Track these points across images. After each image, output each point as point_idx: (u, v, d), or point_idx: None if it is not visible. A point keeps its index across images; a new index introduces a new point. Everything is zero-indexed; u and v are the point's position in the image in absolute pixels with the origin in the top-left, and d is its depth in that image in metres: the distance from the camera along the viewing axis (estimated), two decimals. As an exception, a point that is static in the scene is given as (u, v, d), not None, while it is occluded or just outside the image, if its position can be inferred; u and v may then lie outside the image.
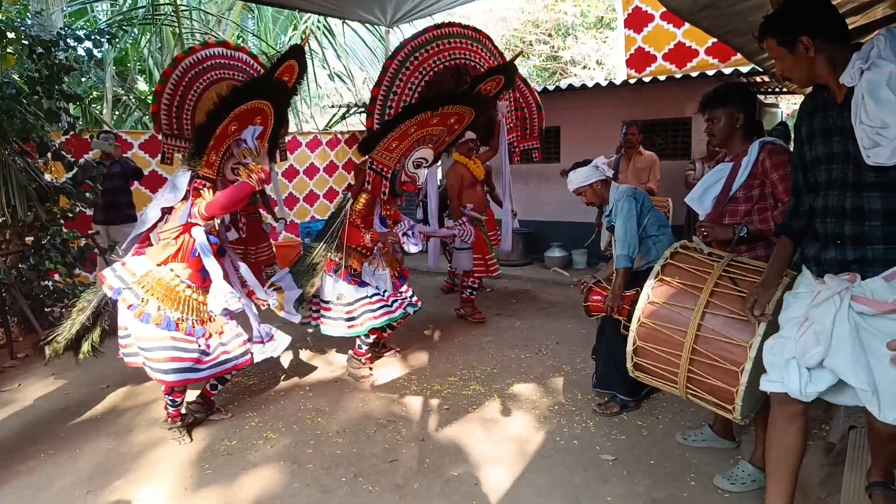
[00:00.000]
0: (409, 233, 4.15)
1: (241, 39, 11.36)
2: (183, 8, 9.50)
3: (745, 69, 6.56)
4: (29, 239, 5.32)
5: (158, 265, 3.23)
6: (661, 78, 7.02)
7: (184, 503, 2.77)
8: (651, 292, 2.47)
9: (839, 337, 1.82)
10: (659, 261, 2.56)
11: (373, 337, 4.16)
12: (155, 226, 3.30)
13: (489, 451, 3.16)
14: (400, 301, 4.21)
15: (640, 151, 5.81)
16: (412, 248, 4.12)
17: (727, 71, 6.60)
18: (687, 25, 6.84)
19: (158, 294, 3.17)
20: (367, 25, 11.10)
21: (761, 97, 8.19)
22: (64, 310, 5.37)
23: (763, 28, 1.99)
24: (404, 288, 4.39)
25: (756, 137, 2.67)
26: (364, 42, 12.48)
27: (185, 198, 3.19)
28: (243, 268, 3.53)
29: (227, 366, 3.32)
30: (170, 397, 3.31)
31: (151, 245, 3.31)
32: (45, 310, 5.40)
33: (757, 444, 2.69)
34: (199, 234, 3.21)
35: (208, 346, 3.26)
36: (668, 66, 7.57)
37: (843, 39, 1.89)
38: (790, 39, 1.90)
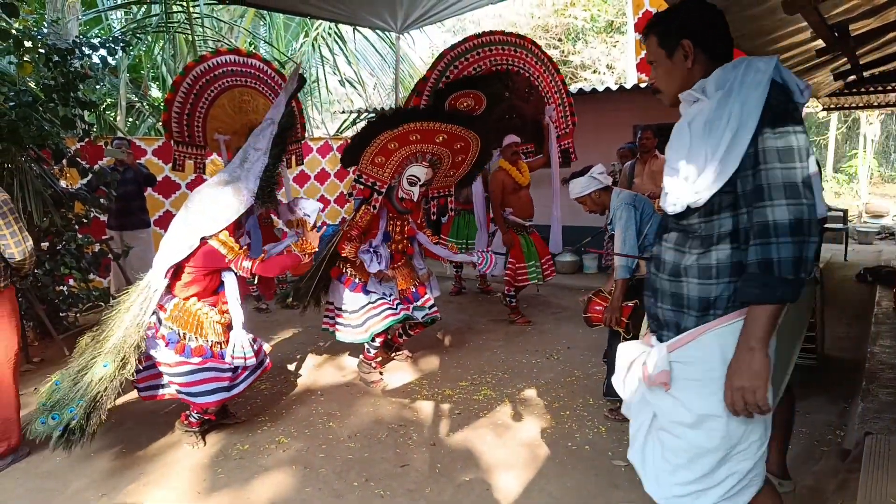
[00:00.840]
0: (371, 251, 4.06)
1: (253, 46, 11.45)
2: (195, 16, 9.59)
3: (756, 73, 6.55)
4: (44, 244, 5.39)
5: (184, 299, 3.26)
6: (672, 82, 7.01)
7: (197, 507, 2.80)
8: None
9: (632, 401, 1.80)
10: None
11: (379, 340, 4.16)
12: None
13: (500, 456, 3.16)
14: (400, 307, 4.20)
15: (656, 155, 5.73)
16: (373, 268, 4.02)
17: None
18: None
19: (188, 324, 3.20)
20: (378, 32, 11.15)
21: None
22: (78, 314, 5.43)
23: (649, 23, 1.75)
24: (421, 302, 4.38)
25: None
26: (374, 48, 12.54)
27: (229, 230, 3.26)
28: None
29: (252, 378, 3.37)
30: (197, 413, 3.33)
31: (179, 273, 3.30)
32: (60, 314, 5.47)
33: (770, 449, 2.67)
34: (231, 280, 3.30)
35: (234, 365, 3.30)
36: (679, 70, 7.55)
37: (725, 61, 1.63)
38: (672, 41, 1.65)
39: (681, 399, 1.60)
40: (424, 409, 3.79)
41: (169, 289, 3.26)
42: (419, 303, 4.36)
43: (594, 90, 7.56)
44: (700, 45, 1.63)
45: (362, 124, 11.90)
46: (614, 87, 7.43)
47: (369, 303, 4.07)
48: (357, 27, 11.03)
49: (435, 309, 4.43)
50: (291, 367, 4.62)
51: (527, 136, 5.56)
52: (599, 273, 7.60)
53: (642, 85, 7.21)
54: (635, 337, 3.19)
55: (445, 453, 3.21)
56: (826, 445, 3.10)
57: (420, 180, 4.08)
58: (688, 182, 1.57)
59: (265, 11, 10.89)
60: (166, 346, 3.14)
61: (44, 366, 4.78)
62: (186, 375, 3.15)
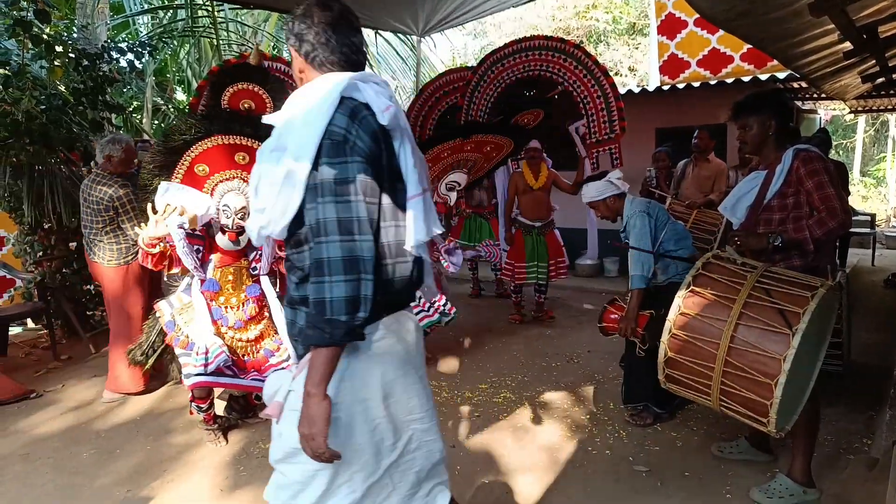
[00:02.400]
0: (450, 251, 4.16)
1: (276, 50, 11.57)
2: (220, 20, 9.74)
3: (781, 75, 6.47)
4: (73, 244, 5.51)
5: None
6: (696, 84, 6.95)
7: (220, 504, 2.84)
8: (683, 303, 2.45)
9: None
10: (691, 271, 2.53)
11: None
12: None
13: (520, 459, 3.16)
14: (433, 310, 4.25)
15: (709, 159, 5.49)
16: (452, 268, 4.14)
17: (763, 77, 6.51)
18: (721, 31, 6.75)
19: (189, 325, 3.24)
20: (400, 35, 11.21)
21: (799, 103, 8.04)
22: (104, 313, 5.54)
23: None
24: (436, 297, 4.42)
25: (790, 145, 2.64)
26: (396, 51, 12.59)
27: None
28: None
29: (258, 384, 3.32)
30: (195, 404, 3.34)
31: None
32: (87, 313, 5.59)
33: (795, 457, 2.64)
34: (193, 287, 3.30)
35: (241, 361, 3.32)
36: (703, 72, 7.48)
37: None
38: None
39: (283, 430, 1.56)
40: (444, 410, 3.80)
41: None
42: (435, 301, 4.39)
43: (616, 93, 7.51)
44: None
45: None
46: (636, 90, 7.37)
47: None
48: (379, 31, 11.10)
49: (451, 307, 4.45)
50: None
51: (552, 141, 5.55)
52: (620, 276, 7.55)
53: (665, 87, 7.15)
54: (652, 347, 3.18)
55: (465, 455, 3.22)
56: (852, 454, 3.05)
57: (460, 185, 4.21)
58: (264, 212, 1.50)
59: (288, 16, 10.99)
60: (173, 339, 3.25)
61: (70, 363, 4.89)
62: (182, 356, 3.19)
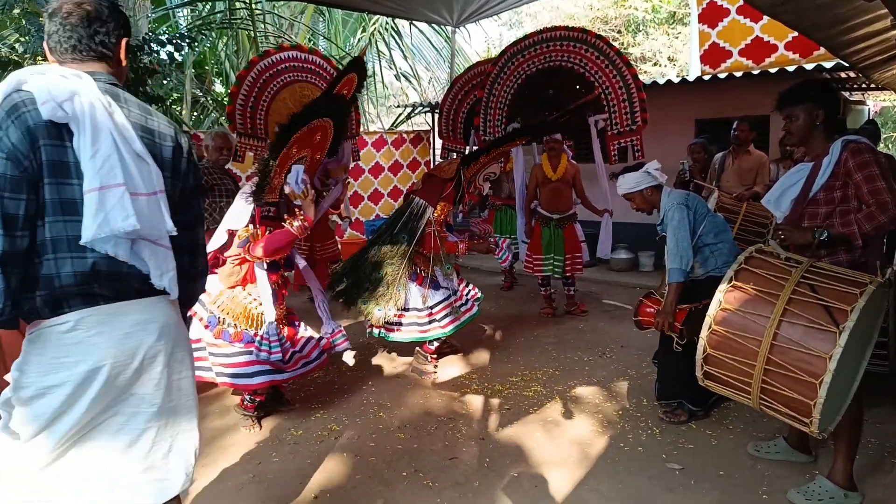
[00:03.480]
0: (503, 246, 4.32)
1: (311, 42, 11.67)
2: (257, 12, 9.85)
3: (828, 64, 6.24)
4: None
5: (229, 288, 3.36)
6: (738, 74, 6.75)
7: (250, 489, 2.88)
8: (724, 298, 2.38)
9: None
10: (733, 265, 2.46)
11: (436, 343, 4.27)
12: (225, 246, 3.36)
13: (550, 453, 3.13)
14: (470, 303, 4.32)
15: (749, 151, 5.33)
16: (504, 263, 4.32)
17: (809, 67, 6.29)
18: (765, 19, 6.56)
19: (234, 314, 3.31)
20: (434, 26, 11.19)
21: (846, 94, 7.76)
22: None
23: None
24: (462, 286, 4.42)
25: (838, 136, 2.53)
26: (430, 42, 12.59)
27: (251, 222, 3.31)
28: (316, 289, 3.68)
29: (307, 368, 3.44)
30: (250, 396, 3.44)
31: (221, 263, 3.42)
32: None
33: (836, 459, 2.55)
34: (260, 274, 3.34)
35: (286, 354, 3.36)
36: (745, 61, 7.26)
37: None
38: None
39: None
40: (474, 402, 3.79)
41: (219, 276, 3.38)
42: (468, 294, 4.41)
43: (654, 83, 7.35)
44: None
45: (418, 118, 11.98)
46: (676, 80, 7.20)
47: (445, 300, 4.14)
48: (413, 22, 11.09)
49: (475, 293, 4.49)
50: (344, 356, 4.70)
51: (571, 132, 5.48)
52: (655, 271, 7.41)
53: (706, 78, 6.97)
54: (690, 343, 3.11)
55: (494, 448, 3.21)
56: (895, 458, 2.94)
57: (495, 175, 4.35)
58: None
59: (324, 7, 11.07)
60: (205, 328, 3.26)
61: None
62: (229, 357, 3.24)
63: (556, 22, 17.46)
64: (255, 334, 3.29)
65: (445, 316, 4.09)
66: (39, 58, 5.26)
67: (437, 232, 4.13)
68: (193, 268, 1.80)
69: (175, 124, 1.70)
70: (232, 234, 3.30)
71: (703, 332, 2.42)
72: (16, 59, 5.23)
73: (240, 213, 3.27)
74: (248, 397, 3.45)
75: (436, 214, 4.13)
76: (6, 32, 6.60)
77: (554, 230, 5.56)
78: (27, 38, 5.42)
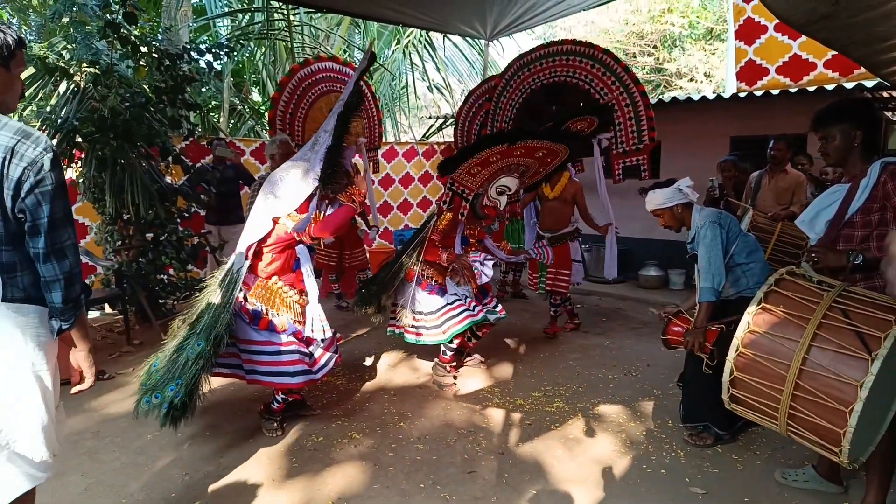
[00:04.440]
0: (482, 261, 4.19)
1: (347, 54, 11.84)
2: (295, 24, 10.05)
3: (869, 83, 6.08)
4: (149, 236, 5.79)
5: (266, 278, 3.41)
6: (774, 92, 6.63)
7: (270, 494, 2.90)
8: (752, 320, 2.33)
9: None
10: (763, 287, 2.40)
11: (456, 342, 4.21)
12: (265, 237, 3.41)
13: (570, 471, 3.09)
14: (478, 309, 4.26)
15: (786, 170, 5.21)
16: (484, 278, 4.18)
17: (849, 85, 6.13)
18: (804, 37, 6.43)
19: (274, 303, 3.37)
20: (468, 39, 11.25)
21: (889, 114, 7.55)
22: (176, 302, 5.80)
23: None
24: (487, 300, 4.42)
25: (877, 157, 2.47)
26: (463, 55, 12.65)
27: (301, 210, 3.36)
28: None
29: (329, 367, 3.48)
30: (282, 395, 3.49)
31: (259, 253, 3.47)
32: (160, 301, 5.86)
33: (868, 491, 2.47)
34: (303, 252, 3.39)
35: (312, 338, 3.44)
36: (782, 79, 7.13)
37: None
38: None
39: None
40: (495, 416, 3.77)
41: (252, 269, 3.41)
42: (486, 301, 4.39)
43: (689, 99, 7.27)
44: None
45: (450, 129, 12.04)
46: (711, 97, 7.10)
47: (447, 304, 4.13)
48: (447, 35, 11.18)
49: (501, 308, 4.45)
50: (367, 364, 4.72)
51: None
52: (686, 289, 7.29)
53: (742, 94, 6.86)
54: (720, 364, 3.04)
55: (514, 463, 3.18)
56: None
57: (510, 190, 4.18)
58: None
59: (360, 20, 11.24)
60: (250, 322, 3.29)
61: (142, 348, 5.14)
62: (273, 355, 3.28)
63: (590, 37, 17.41)
64: (296, 321, 3.39)
65: (447, 321, 4.09)
66: (85, 65, 5.44)
67: (431, 239, 4.16)
68: (49, 275, 1.81)
69: (24, 137, 1.74)
70: (275, 222, 3.36)
71: (731, 355, 2.37)
72: (63, 65, 5.41)
73: (290, 199, 3.32)
74: (280, 397, 3.49)
75: (440, 225, 4.16)
76: (55, 40, 6.84)
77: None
78: (74, 45, 5.60)
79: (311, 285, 3.44)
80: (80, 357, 2.00)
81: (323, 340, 3.47)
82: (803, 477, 2.87)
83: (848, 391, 2.01)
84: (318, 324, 3.40)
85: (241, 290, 3.32)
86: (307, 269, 3.45)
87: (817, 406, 2.10)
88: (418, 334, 4.20)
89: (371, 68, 4.14)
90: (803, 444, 2.27)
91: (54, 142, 5.22)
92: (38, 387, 1.84)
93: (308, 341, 3.43)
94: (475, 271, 4.15)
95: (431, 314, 4.15)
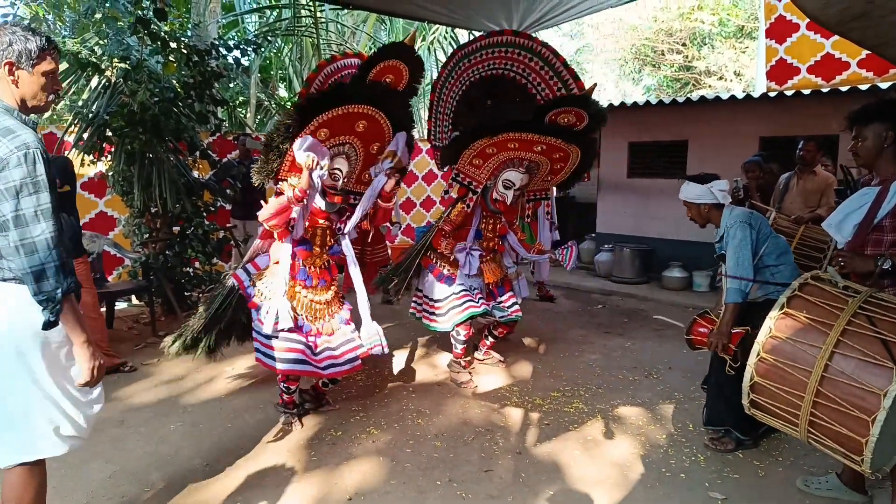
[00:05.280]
0: (467, 252, 4.21)
1: (373, 51, 11.89)
2: (321, 20, 10.11)
3: (906, 83, 5.92)
4: (175, 229, 5.90)
5: (275, 263, 3.46)
6: (805, 92, 6.49)
7: (288, 486, 2.94)
8: (774, 325, 2.29)
9: None
10: (786, 291, 2.36)
11: (464, 334, 4.17)
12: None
13: (588, 473, 3.07)
14: (481, 301, 4.24)
15: (815, 171, 5.10)
16: (464, 270, 4.19)
17: (884, 86, 5.98)
18: (837, 36, 6.29)
19: (265, 284, 3.42)
20: (494, 35, 11.20)
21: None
22: (201, 295, 5.90)
23: None
24: (504, 297, 4.39)
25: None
26: (489, 51, 12.61)
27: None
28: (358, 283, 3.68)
29: (334, 370, 3.42)
30: (284, 384, 3.52)
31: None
32: (185, 293, 5.96)
33: (893, 500, 2.41)
34: (278, 247, 3.43)
35: (315, 346, 3.43)
36: (814, 79, 6.98)
37: None
38: None
39: None
40: (513, 415, 3.76)
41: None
42: (502, 300, 4.38)
43: (718, 98, 7.16)
44: None
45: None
46: (741, 96, 6.99)
47: (453, 294, 4.17)
48: (473, 31, 11.13)
49: (515, 309, 4.39)
50: (386, 360, 4.75)
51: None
52: (710, 291, 7.19)
53: (772, 94, 6.74)
54: (743, 366, 2.99)
55: (531, 463, 3.17)
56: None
57: (515, 185, 4.12)
58: None
59: (386, 16, 11.27)
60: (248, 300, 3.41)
61: (168, 339, 5.24)
62: (270, 339, 3.32)
63: (618, 34, 17.23)
64: (307, 317, 3.44)
65: (451, 309, 4.12)
66: (116, 60, 5.55)
67: (442, 228, 4.22)
68: (17, 268, 1.82)
69: (2, 136, 1.80)
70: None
71: (751, 360, 2.33)
72: (94, 60, 5.53)
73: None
74: (282, 386, 3.52)
75: (451, 215, 4.18)
76: (88, 35, 6.99)
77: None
78: (106, 41, 5.72)
79: (279, 277, 3.37)
80: (75, 351, 1.96)
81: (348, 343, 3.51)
82: (826, 485, 2.82)
83: (871, 400, 1.97)
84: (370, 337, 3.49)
85: (251, 270, 3.48)
86: (282, 260, 3.39)
87: (839, 414, 2.06)
88: (431, 320, 4.26)
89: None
90: (825, 452, 2.23)
91: (85, 135, 5.35)
92: (20, 365, 1.89)
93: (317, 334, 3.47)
94: (459, 262, 4.20)
95: (438, 302, 4.22)
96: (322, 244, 3.51)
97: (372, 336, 3.52)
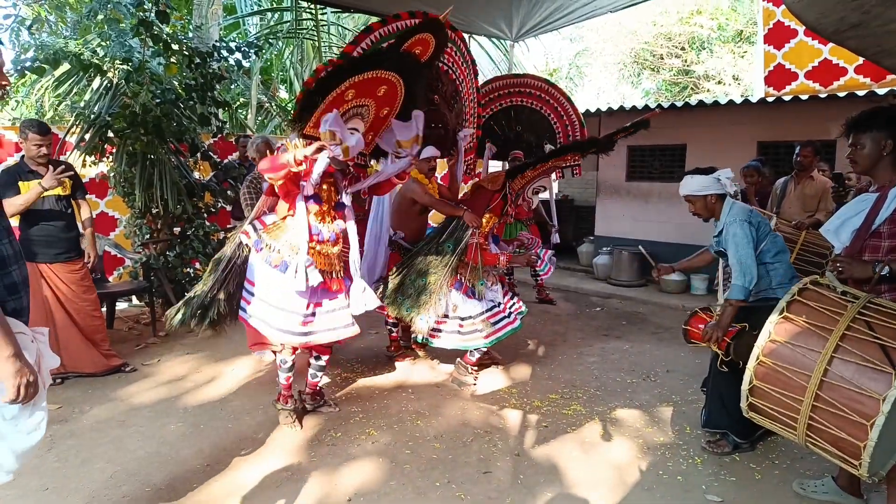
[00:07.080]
0: (544, 258, 4.32)
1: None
2: (322, 23, 10.14)
3: (903, 89, 5.96)
4: (176, 230, 5.91)
5: (282, 219, 3.44)
6: (803, 97, 6.53)
7: (288, 487, 2.95)
8: (774, 329, 2.31)
9: None
10: (785, 296, 2.38)
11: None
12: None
13: (586, 474, 3.09)
14: (512, 315, 4.29)
15: (812, 176, 5.17)
16: (546, 275, 4.36)
17: (881, 91, 6.01)
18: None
19: (278, 238, 3.38)
20: (493, 39, 11.25)
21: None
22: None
23: None
24: (506, 298, 4.42)
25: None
26: (489, 55, 12.65)
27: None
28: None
29: (332, 336, 3.40)
30: (280, 356, 3.51)
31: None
32: (186, 294, 5.96)
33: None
34: (297, 206, 3.38)
35: (318, 305, 3.40)
36: (811, 84, 7.03)
37: None
38: None
39: None
40: (512, 417, 3.78)
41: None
42: (513, 306, 4.40)
43: (716, 102, 7.19)
44: None
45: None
46: (739, 100, 7.02)
47: (486, 310, 4.15)
48: (472, 35, 11.18)
49: (520, 304, 4.47)
50: (386, 361, 4.77)
51: (446, 147, 4.66)
52: (708, 294, 7.21)
53: (770, 99, 6.77)
54: (735, 363, 3.02)
55: (529, 465, 3.19)
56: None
57: (546, 189, 4.65)
58: None
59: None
60: (257, 251, 3.37)
61: (168, 340, 5.25)
62: (266, 301, 3.31)
63: (618, 38, 17.27)
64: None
65: (487, 327, 4.10)
66: (118, 61, 5.56)
67: (480, 243, 4.16)
68: None
69: None
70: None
71: (751, 363, 2.35)
72: (97, 62, 5.54)
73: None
74: (279, 358, 3.53)
75: (485, 228, 4.18)
76: (90, 37, 7.00)
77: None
78: (108, 42, 5.74)
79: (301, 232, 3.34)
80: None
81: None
82: (822, 489, 2.84)
83: (870, 404, 1.99)
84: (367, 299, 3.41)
85: (258, 226, 3.46)
86: (298, 214, 3.36)
87: (837, 418, 2.08)
88: (440, 338, 4.15)
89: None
90: (822, 456, 2.25)
91: (87, 136, 5.36)
92: None
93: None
94: (539, 266, 4.38)
95: (470, 318, 4.11)
96: (328, 199, 3.46)
97: (358, 294, 3.43)
